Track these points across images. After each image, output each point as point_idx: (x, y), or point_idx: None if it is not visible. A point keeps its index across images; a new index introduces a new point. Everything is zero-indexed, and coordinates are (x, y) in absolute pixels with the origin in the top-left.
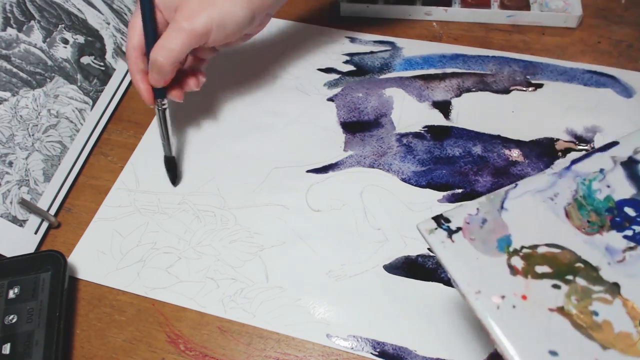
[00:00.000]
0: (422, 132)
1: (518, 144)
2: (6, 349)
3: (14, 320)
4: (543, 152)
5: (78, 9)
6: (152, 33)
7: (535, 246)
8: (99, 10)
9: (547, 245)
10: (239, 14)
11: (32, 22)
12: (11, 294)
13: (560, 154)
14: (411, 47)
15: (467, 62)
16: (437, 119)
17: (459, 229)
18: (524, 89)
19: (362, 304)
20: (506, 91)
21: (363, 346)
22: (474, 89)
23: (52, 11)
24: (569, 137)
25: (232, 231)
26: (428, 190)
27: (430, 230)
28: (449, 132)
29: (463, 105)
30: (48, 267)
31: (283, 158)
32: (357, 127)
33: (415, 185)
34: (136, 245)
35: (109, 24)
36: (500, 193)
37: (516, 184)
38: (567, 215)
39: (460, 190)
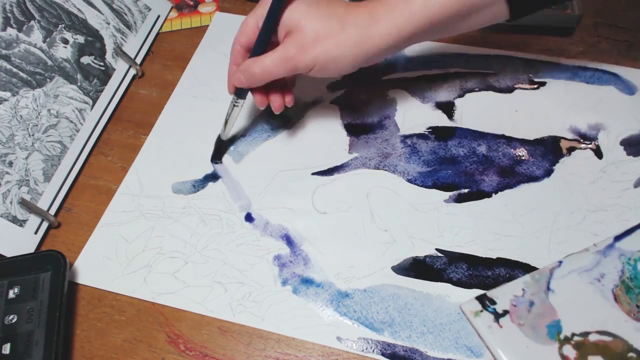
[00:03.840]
0: (426, 133)
1: (522, 142)
2: (6, 349)
3: (14, 320)
4: (548, 150)
5: (78, 9)
6: (263, 44)
7: (587, 333)
8: (99, 10)
9: (598, 332)
10: (345, 62)
11: (32, 22)
12: (11, 294)
13: (565, 152)
14: (413, 48)
15: (469, 62)
16: (441, 119)
17: (505, 312)
18: (527, 87)
19: (372, 306)
20: (509, 90)
21: (374, 348)
22: (477, 89)
23: (52, 11)
24: (572, 135)
25: (239, 234)
26: (434, 190)
27: (475, 312)
28: (453, 133)
29: (466, 105)
30: (48, 267)
31: (288, 161)
32: (361, 129)
33: (421, 186)
34: (142, 250)
35: (109, 24)
36: (544, 272)
37: (560, 262)
38: (616, 299)
39: (466, 190)
